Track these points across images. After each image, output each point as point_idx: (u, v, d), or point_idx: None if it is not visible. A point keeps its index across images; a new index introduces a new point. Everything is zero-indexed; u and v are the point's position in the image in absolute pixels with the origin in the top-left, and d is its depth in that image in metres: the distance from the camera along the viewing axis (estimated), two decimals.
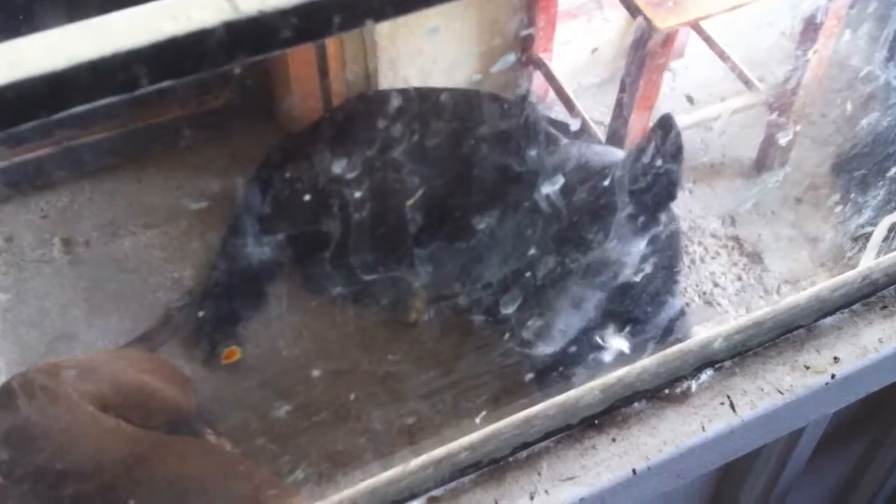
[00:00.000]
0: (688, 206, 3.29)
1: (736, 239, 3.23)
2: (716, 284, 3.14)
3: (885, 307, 1.40)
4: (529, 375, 2.51)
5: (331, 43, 3.07)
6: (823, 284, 1.37)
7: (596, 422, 1.29)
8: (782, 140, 3.26)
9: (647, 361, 1.30)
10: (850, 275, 1.38)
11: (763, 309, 1.33)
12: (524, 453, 1.25)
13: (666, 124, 2.35)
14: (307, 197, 2.93)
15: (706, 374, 1.33)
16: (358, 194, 2.78)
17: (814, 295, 1.36)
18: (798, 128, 3.25)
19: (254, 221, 3.01)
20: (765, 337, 1.35)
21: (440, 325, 2.89)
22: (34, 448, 2.15)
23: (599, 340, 2.59)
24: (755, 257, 3.19)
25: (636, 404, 1.31)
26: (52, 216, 3.11)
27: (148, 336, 2.86)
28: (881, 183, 2.99)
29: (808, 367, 1.34)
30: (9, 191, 3.12)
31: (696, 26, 3.27)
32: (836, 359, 1.35)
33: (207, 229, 3.09)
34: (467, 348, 2.84)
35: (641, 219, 2.39)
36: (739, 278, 3.15)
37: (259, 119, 3.27)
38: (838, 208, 3.23)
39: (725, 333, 1.32)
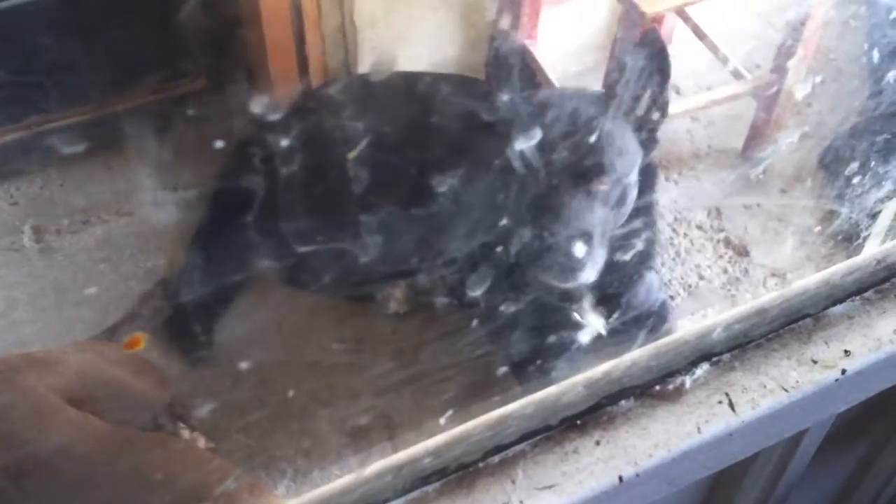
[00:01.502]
0: (673, 198, 3.11)
1: (722, 231, 3.05)
2: (701, 277, 2.96)
3: None
4: (503, 369, 2.31)
5: (310, 29, 2.89)
6: (834, 269, 1.17)
7: (578, 422, 1.09)
8: (768, 130, 3.08)
9: (637, 354, 1.10)
10: (862, 258, 1.19)
11: (767, 295, 1.14)
12: (497, 458, 1.05)
13: (651, 41, 2.17)
14: (276, 183, 2.76)
15: (702, 369, 1.14)
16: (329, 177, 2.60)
17: (823, 280, 1.17)
18: (786, 117, 3.08)
19: (227, 208, 2.82)
20: (767, 327, 1.16)
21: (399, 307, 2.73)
22: None
23: (577, 316, 2.41)
24: (741, 249, 3.01)
25: (623, 402, 1.11)
26: (22, 203, 2.91)
27: (119, 327, 2.68)
28: (868, 174, 2.84)
29: (815, 362, 1.15)
30: None
31: (682, 14, 3.10)
32: (846, 352, 1.16)
33: (181, 217, 2.90)
34: (432, 335, 2.65)
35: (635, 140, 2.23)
36: (725, 271, 2.98)
37: (237, 104, 3.08)
38: (825, 199, 3.06)
39: (724, 322, 1.13)
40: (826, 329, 1.18)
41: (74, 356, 2.36)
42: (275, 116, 2.91)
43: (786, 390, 1.13)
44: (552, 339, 2.48)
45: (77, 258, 2.82)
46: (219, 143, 2.89)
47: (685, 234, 3.03)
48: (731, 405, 1.11)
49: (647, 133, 2.27)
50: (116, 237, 2.87)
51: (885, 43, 2.99)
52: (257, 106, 3.02)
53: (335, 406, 2.60)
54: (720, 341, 1.13)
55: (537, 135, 2.15)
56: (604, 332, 2.47)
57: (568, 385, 1.07)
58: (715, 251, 3.02)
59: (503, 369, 2.36)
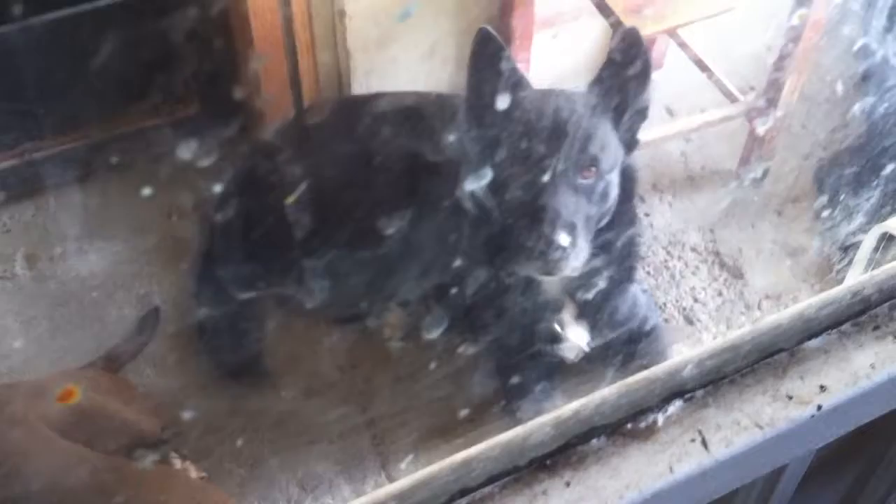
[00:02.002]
0: (667, 220, 3.08)
1: (716, 253, 3.02)
2: (696, 300, 2.93)
3: (878, 328, 1.18)
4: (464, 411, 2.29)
5: (303, 53, 2.88)
6: (809, 302, 1.14)
7: (547, 462, 1.07)
8: (763, 152, 3.06)
9: (607, 391, 1.07)
10: (837, 291, 1.16)
11: (740, 330, 1.11)
12: (464, 501, 1.03)
13: (629, 38, 2.17)
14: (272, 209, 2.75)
15: (675, 406, 1.11)
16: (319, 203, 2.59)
17: (797, 314, 1.13)
18: (780, 138, 3.06)
19: (224, 235, 2.80)
20: (741, 362, 1.12)
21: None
22: None
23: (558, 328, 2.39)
24: (736, 271, 2.98)
25: (595, 441, 1.08)
26: (15, 231, 2.90)
27: (112, 355, 2.65)
28: (863, 196, 2.82)
29: (790, 397, 1.12)
30: None
31: (675, 36, 3.08)
32: (822, 387, 1.13)
33: (176, 243, 2.89)
34: (391, 374, 2.63)
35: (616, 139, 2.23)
36: (720, 293, 2.95)
37: (232, 128, 3.06)
38: (819, 221, 3.04)
39: (696, 358, 1.10)
40: (801, 363, 1.15)
41: (64, 385, 2.35)
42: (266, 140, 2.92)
43: (760, 427, 1.10)
44: (536, 356, 2.47)
45: (70, 286, 2.80)
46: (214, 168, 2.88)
47: (679, 257, 3.01)
48: (704, 443, 1.08)
49: (627, 132, 2.25)
50: (110, 264, 2.85)
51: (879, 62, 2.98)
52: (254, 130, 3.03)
53: (327, 434, 2.58)
54: (692, 377, 1.11)
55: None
56: (586, 348, 2.45)
57: (536, 425, 1.05)
58: (710, 273, 2.99)
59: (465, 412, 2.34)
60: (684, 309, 2.91)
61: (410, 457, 2.24)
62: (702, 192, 3.15)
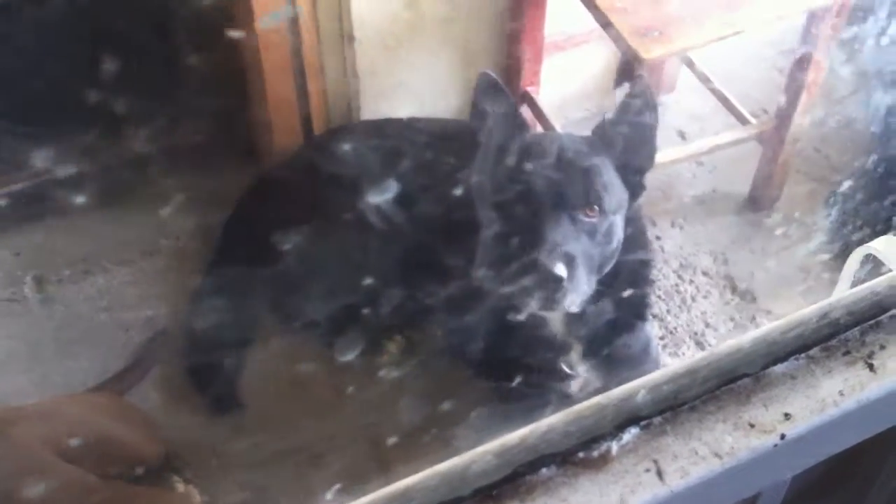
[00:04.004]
0: (678, 243, 3.01)
1: (728, 277, 2.95)
2: (707, 325, 2.86)
3: (848, 353, 1.10)
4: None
5: (311, 77, 2.85)
6: (773, 325, 1.07)
7: (493, 493, 1.00)
8: (775, 175, 2.99)
9: (555, 419, 1.01)
10: (804, 314, 1.09)
11: (697, 355, 1.04)
12: None
13: (640, 91, 2.15)
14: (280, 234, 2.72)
15: (630, 434, 1.04)
16: (329, 231, 2.55)
17: (760, 338, 1.07)
18: (792, 162, 2.99)
19: (231, 259, 2.78)
20: (700, 388, 1.06)
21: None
22: None
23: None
24: (748, 295, 2.91)
25: (544, 470, 1.02)
26: (25, 253, 2.87)
27: (118, 377, 2.63)
28: (875, 217, 2.75)
29: (752, 426, 1.05)
30: None
31: (686, 59, 3.03)
32: (787, 415, 1.05)
33: (183, 267, 2.85)
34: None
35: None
36: (732, 318, 2.87)
37: (240, 154, 3.04)
38: (833, 244, 2.96)
39: (651, 384, 1.03)
40: (766, 390, 1.07)
41: (68, 408, 2.32)
42: (276, 166, 2.89)
43: (719, 457, 1.03)
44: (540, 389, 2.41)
45: (78, 308, 2.77)
46: (223, 194, 2.86)
47: (691, 280, 2.94)
48: (659, 474, 1.02)
49: (633, 177, 2.21)
50: (118, 286, 2.83)
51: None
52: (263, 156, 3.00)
53: (331, 460, 2.52)
54: (647, 403, 1.04)
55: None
56: (597, 383, 2.39)
57: (477, 453, 0.99)
58: (721, 297, 2.92)
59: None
60: (695, 334, 2.83)
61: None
62: (713, 215, 3.08)
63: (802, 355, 1.11)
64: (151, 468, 2.42)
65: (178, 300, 2.79)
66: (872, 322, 1.12)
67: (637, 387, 1.03)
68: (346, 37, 2.78)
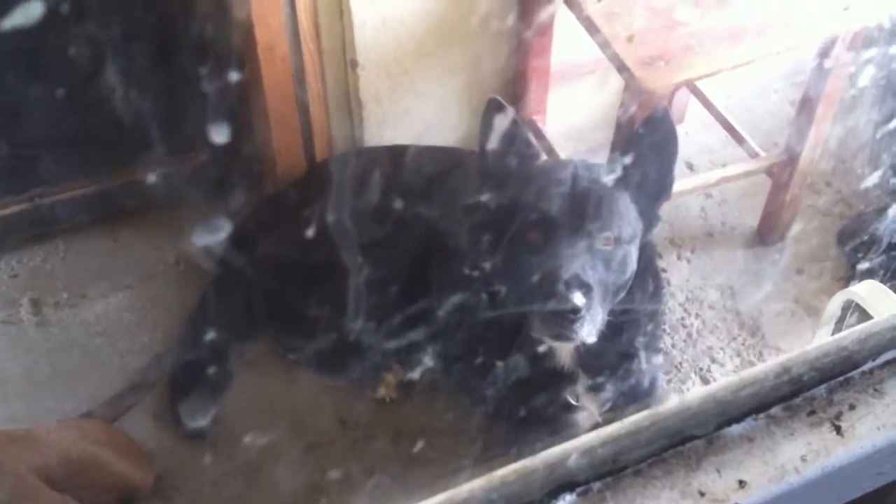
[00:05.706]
0: (685, 276, 2.93)
1: (736, 312, 2.86)
2: (713, 360, 2.77)
3: (813, 412, 0.98)
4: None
5: (314, 103, 2.79)
6: (726, 381, 0.96)
7: None
8: (784, 209, 2.90)
9: (476, 484, 0.91)
10: (760, 369, 0.98)
11: (637, 414, 0.95)
12: None
13: (659, 119, 2.07)
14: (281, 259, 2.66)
15: (564, 501, 0.94)
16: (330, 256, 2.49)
17: (710, 395, 0.96)
18: (802, 195, 2.90)
19: (231, 284, 2.71)
20: (644, 450, 0.96)
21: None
22: None
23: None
24: (755, 331, 2.82)
25: None
26: (23, 275, 2.82)
27: (110, 403, 2.57)
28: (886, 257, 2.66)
29: (703, 494, 0.93)
30: None
31: (695, 90, 2.95)
32: (741, 482, 0.94)
33: (182, 292, 2.79)
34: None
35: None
36: (738, 354, 2.79)
37: (243, 177, 2.98)
38: (843, 280, 2.87)
39: (584, 446, 0.93)
40: (719, 453, 0.96)
41: (57, 435, 2.27)
42: (278, 191, 2.83)
43: None
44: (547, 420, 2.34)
45: (73, 332, 2.72)
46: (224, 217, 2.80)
47: (697, 314, 2.85)
48: None
49: (649, 207, 2.14)
50: (114, 311, 2.77)
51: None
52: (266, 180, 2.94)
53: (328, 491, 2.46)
54: (581, 468, 0.94)
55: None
56: (599, 419, 2.32)
57: None
58: (728, 332, 2.83)
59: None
60: (701, 370, 2.75)
61: None
62: (721, 249, 3.00)
63: (762, 415, 1.00)
64: (141, 496, 2.37)
65: (175, 326, 2.72)
66: (842, 379, 1.02)
67: (568, 450, 0.93)
68: (349, 62, 2.73)
